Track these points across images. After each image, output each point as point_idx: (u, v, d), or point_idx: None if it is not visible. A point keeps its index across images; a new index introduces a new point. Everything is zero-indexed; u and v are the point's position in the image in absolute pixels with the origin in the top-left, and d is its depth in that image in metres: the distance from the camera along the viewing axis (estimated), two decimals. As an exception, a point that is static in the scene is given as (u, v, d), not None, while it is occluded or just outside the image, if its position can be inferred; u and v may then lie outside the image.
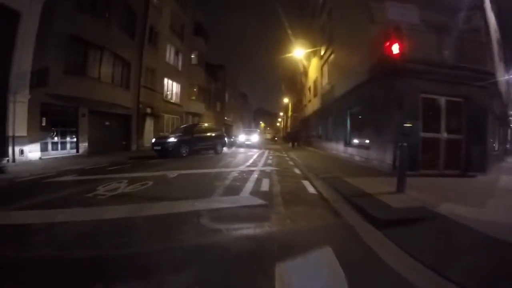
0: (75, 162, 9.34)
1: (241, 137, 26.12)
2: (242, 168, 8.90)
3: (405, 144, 4.99)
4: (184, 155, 12.34)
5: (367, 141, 9.75)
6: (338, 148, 13.67)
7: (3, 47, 8.42)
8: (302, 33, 24.76)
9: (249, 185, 5.89)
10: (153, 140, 13.10)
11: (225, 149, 18.31)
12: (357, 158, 10.60)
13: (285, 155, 15.15)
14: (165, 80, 20.36)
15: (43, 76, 9.65)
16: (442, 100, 7.67)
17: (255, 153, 15.44)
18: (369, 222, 3.55)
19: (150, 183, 5.93)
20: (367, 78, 8.96)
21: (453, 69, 7.40)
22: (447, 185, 6.16)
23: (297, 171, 8.60)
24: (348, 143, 12.34)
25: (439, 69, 7.26)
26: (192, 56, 25.48)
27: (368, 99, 9.38)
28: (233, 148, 20.28)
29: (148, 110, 17.85)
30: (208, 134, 14.94)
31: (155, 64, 18.34)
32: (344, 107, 12.49)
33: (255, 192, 5.26)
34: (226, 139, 17.09)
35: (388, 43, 4.86)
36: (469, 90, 7.57)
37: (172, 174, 7.34)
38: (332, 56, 15.11)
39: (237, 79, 52.17)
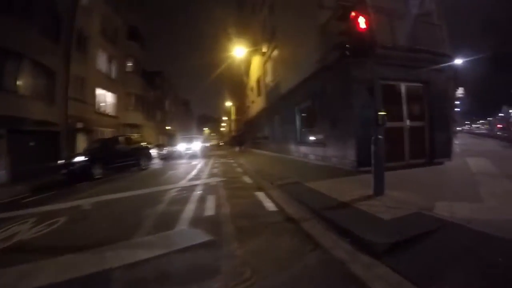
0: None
1: (181, 146, 22.73)
2: (182, 183, 7.38)
3: (380, 136, 4.08)
4: (97, 176, 9.83)
5: (322, 137, 8.98)
6: (288, 148, 12.85)
7: None
8: (242, 31, 23.94)
9: (190, 209, 4.47)
10: (58, 162, 10.37)
11: (159, 162, 16.61)
12: (312, 157, 9.80)
13: (232, 161, 14.04)
14: (97, 90, 18.19)
15: None
16: (402, 86, 7.31)
17: (198, 163, 13.72)
18: (363, 250, 2.53)
19: (62, 220, 4.38)
20: (318, 68, 8.22)
21: (410, 52, 7.08)
22: (423, 177, 5.75)
23: (247, 179, 7.44)
24: (299, 142, 11.57)
25: (396, 52, 6.80)
26: (128, 64, 23.19)
27: (319, 91, 8.69)
28: (172, 160, 17.96)
29: (79, 125, 15.57)
30: (130, 147, 12.60)
31: (85, 73, 16.21)
32: (292, 103, 11.78)
33: (197, 219, 3.90)
34: (165, 150, 14.90)
35: (353, 17, 4.12)
36: (428, 74, 7.33)
37: (93, 202, 5.66)
38: (276, 51, 14.42)
39: (178, 86, 49.56)
